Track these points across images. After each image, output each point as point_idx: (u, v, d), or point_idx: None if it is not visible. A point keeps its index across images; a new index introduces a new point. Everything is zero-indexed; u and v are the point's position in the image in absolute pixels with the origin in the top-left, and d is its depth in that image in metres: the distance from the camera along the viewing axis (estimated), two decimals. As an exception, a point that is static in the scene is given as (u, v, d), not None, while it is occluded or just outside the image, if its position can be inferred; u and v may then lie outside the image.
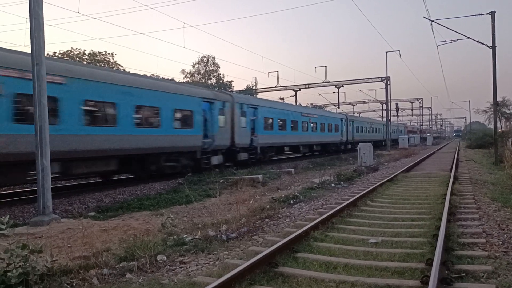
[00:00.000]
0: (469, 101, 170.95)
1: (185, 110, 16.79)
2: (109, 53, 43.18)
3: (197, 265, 5.14)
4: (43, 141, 8.12)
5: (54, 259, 4.87)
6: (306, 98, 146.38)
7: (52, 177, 8.44)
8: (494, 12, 20.35)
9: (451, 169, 16.36)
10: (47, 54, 14.55)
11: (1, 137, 9.91)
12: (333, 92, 43.09)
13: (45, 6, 8.37)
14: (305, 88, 41.99)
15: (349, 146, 39.76)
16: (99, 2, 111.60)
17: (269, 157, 24.28)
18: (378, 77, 39.45)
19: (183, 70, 59.33)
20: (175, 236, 6.40)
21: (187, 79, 57.62)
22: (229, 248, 5.92)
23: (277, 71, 49.83)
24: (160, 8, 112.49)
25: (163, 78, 34.32)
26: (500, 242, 5.81)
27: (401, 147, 44.38)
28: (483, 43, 20.86)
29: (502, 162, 18.48)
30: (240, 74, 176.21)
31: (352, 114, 62.98)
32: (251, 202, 9.76)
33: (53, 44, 75.89)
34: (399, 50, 43.60)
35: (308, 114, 30.37)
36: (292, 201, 10.00)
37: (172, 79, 23.68)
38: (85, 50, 41.49)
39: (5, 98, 9.99)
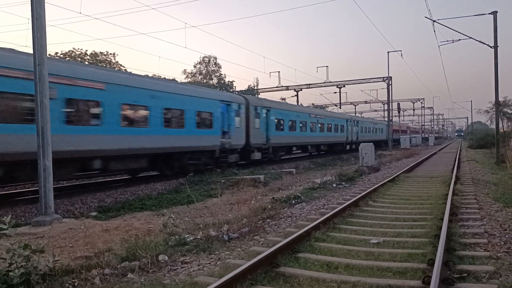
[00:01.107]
0: (471, 101, 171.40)
1: None
2: (111, 54, 43.17)
3: (198, 265, 5.15)
4: (45, 142, 8.13)
5: (56, 259, 4.87)
6: (307, 98, 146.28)
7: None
8: (496, 12, 20.33)
9: (453, 169, 16.32)
10: (49, 54, 14.55)
11: None
12: (335, 92, 43.23)
13: (47, 7, 8.42)
14: (307, 88, 42.05)
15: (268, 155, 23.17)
16: (101, 2, 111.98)
17: None
18: (380, 77, 39.53)
19: (185, 70, 59.33)
20: (177, 236, 6.40)
21: (189, 79, 57.60)
22: (231, 248, 5.92)
23: (279, 71, 49.96)
24: (162, 8, 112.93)
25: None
26: (502, 243, 5.80)
27: (402, 148, 44.64)
28: (485, 43, 20.84)
29: (504, 162, 18.47)
30: (242, 74, 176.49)
31: (354, 114, 62.75)
32: (253, 202, 9.75)
33: (55, 45, 76.15)
34: (400, 50, 45.04)
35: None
36: (293, 201, 10.00)
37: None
38: (86, 51, 41.44)
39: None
